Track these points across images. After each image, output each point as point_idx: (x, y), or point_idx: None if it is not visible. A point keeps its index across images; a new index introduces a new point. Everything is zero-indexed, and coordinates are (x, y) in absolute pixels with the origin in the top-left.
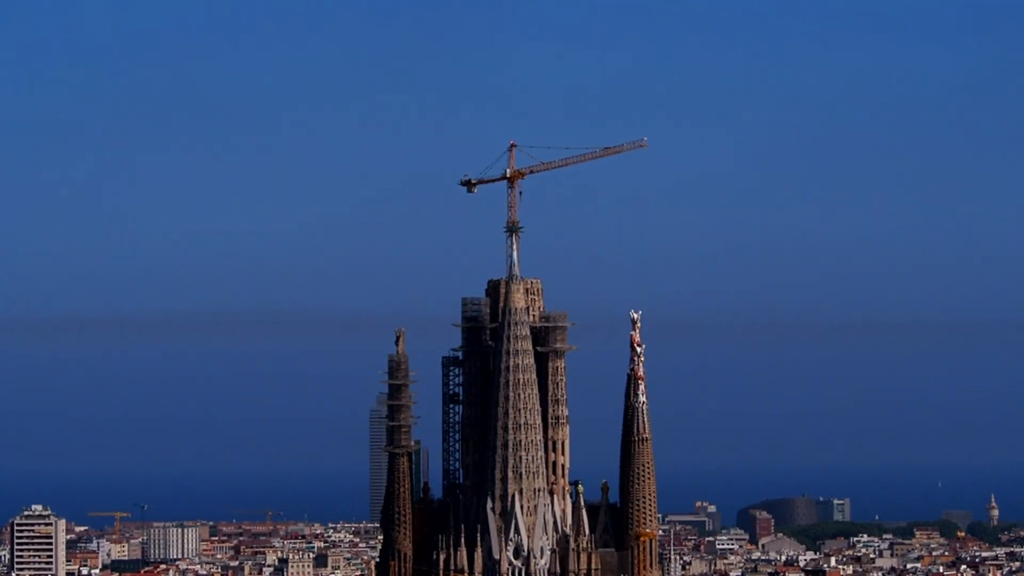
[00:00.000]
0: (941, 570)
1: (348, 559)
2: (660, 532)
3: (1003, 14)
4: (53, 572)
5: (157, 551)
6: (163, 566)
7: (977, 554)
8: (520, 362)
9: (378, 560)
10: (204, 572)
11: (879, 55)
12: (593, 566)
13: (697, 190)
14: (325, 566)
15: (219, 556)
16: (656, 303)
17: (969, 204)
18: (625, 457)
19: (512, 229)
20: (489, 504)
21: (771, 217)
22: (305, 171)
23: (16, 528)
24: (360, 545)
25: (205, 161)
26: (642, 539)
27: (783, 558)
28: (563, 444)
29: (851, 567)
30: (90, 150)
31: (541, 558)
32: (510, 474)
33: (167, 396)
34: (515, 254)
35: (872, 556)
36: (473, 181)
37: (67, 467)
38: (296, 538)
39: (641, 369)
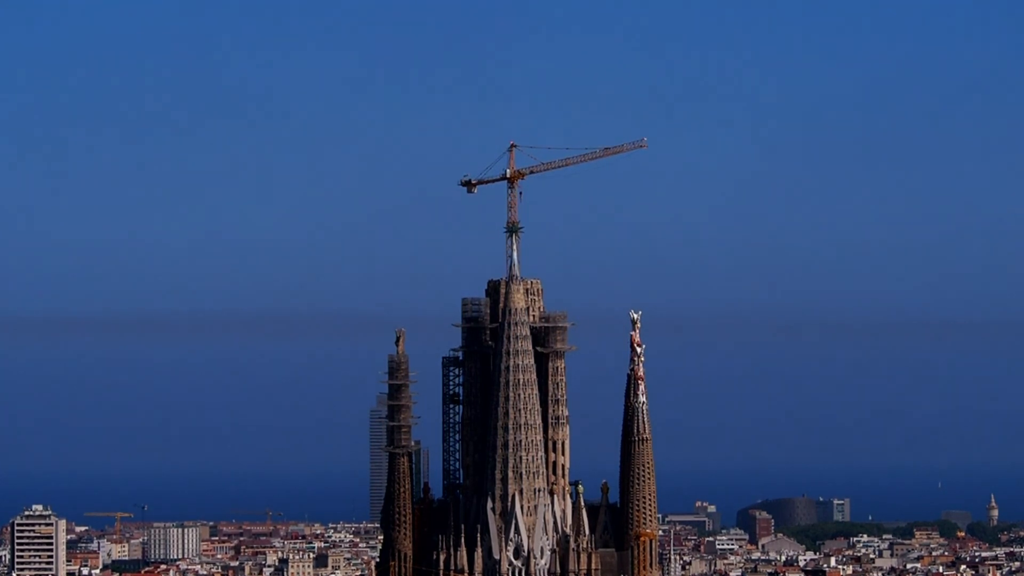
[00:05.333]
0: (941, 570)
1: (348, 559)
2: (660, 532)
3: (1007, 13)
4: (53, 572)
5: (157, 551)
6: (163, 566)
7: (977, 554)
8: (520, 362)
9: (378, 560)
10: (204, 572)
11: (880, 54)
12: (593, 566)
13: (697, 190)
14: (325, 566)
15: (219, 556)
16: (656, 303)
17: (970, 202)
18: (625, 457)
19: (512, 229)
20: (489, 504)
21: (771, 217)
22: (305, 172)
23: (16, 528)
24: (360, 545)
25: (205, 163)
26: (642, 539)
27: (783, 558)
28: (563, 444)
29: (851, 567)
30: (91, 151)
31: (541, 558)
32: (510, 474)
33: (168, 396)
34: (515, 254)
35: (872, 556)
36: (473, 181)
37: (67, 467)
38: (296, 538)
39: (641, 369)
